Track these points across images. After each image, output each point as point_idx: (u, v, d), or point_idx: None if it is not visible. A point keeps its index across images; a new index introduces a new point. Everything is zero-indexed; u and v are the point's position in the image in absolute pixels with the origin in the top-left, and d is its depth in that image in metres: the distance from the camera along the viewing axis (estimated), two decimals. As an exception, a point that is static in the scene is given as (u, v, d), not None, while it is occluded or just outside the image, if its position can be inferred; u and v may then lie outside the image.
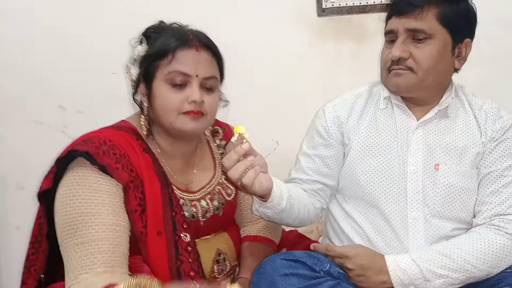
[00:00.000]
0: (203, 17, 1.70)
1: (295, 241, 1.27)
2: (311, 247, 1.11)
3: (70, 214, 0.90)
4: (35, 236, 1.03)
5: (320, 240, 1.34)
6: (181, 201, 1.04)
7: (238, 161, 0.90)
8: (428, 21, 1.04)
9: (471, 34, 1.10)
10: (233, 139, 0.92)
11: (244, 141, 0.91)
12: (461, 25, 1.07)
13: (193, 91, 0.97)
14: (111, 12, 1.68)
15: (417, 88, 1.09)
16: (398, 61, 1.06)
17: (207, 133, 1.20)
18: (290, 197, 1.07)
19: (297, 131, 1.49)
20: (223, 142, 1.20)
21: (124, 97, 1.36)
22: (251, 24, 1.73)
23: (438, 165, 1.10)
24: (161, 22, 1.06)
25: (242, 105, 1.28)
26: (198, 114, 0.98)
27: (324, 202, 1.23)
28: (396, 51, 1.05)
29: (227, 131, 1.23)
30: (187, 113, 0.97)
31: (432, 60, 1.05)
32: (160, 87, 0.97)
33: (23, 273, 1.04)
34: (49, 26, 1.66)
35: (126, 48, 1.09)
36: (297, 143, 1.40)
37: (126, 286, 0.76)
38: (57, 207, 0.94)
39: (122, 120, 1.08)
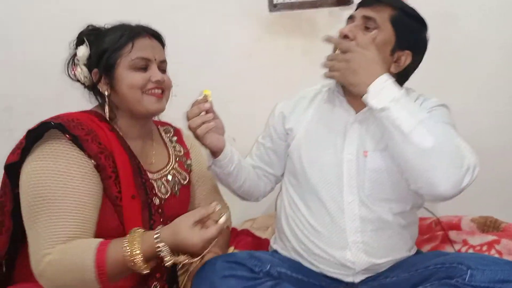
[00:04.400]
0: (147, 13, 1.66)
1: (243, 238, 1.27)
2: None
3: (42, 186, 0.94)
4: None
5: (273, 237, 1.37)
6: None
7: (199, 115, 1.06)
8: (381, 15, 1.12)
9: (414, 48, 1.15)
10: (199, 98, 1.09)
11: (207, 101, 1.08)
12: (408, 34, 1.13)
13: (155, 72, 1.09)
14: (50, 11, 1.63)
15: None
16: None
17: (161, 129, 1.26)
18: (240, 166, 1.20)
19: (249, 128, 1.48)
20: (175, 138, 1.27)
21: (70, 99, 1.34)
22: (199, 20, 1.70)
23: (367, 152, 1.15)
24: (91, 25, 1.13)
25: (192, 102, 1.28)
26: (160, 95, 1.10)
27: (269, 187, 1.35)
28: (345, 29, 1.14)
29: (177, 130, 1.30)
30: (151, 92, 1.08)
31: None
32: (124, 73, 1.07)
33: None
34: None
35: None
36: (249, 139, 1.41)
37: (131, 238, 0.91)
38: (25, 180, 0.97)
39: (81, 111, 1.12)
